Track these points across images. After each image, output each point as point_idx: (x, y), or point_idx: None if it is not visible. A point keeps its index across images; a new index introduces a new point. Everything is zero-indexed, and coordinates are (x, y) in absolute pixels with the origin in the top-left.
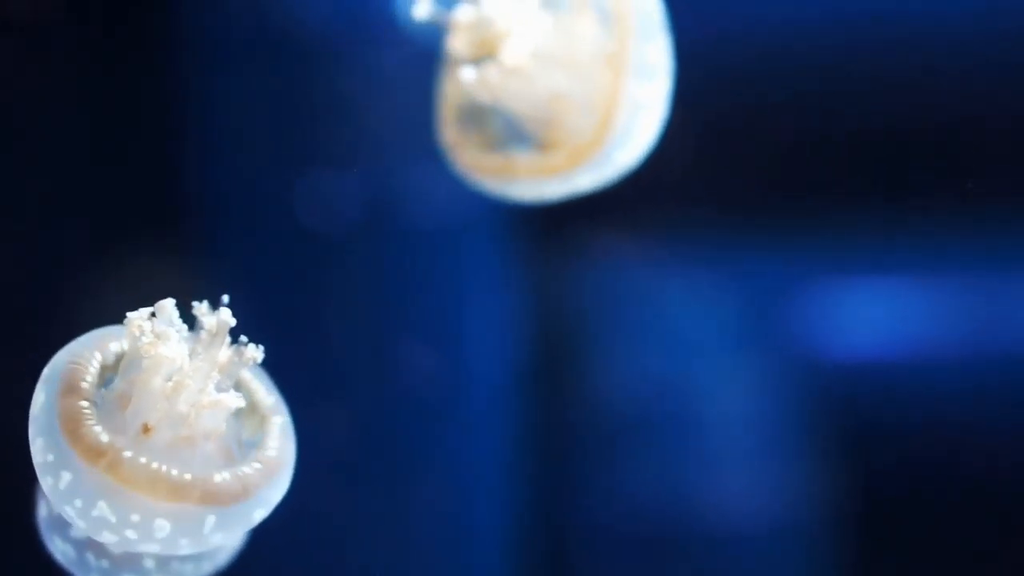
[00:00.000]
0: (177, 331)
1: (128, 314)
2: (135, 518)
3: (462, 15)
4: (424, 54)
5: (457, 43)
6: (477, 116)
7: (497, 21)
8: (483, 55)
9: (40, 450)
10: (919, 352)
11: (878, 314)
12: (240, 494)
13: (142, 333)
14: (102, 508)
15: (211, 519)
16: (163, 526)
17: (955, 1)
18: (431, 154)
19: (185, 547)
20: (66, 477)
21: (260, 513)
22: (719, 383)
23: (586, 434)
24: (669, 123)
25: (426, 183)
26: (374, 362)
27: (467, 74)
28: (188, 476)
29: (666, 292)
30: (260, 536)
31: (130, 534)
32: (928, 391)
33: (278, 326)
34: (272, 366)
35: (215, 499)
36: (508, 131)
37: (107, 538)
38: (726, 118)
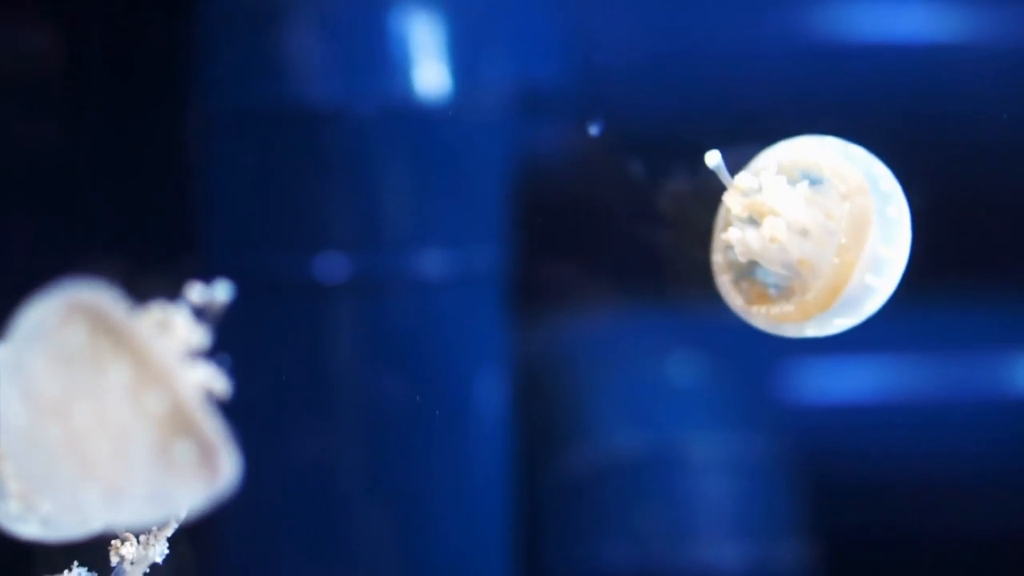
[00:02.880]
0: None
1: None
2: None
3: (742, 181)
4: (440, 132)
5: (730, 202)
6: (744, 265)
7: (768, 198)
8: (750, 216)
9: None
10: (897, 412)
11: (858, 375)
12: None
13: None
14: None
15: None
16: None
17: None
18: (433, 224)
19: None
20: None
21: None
22: (705, 439)
23: (574, 483)
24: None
25: (427, 248)
26: (365, 411)
27: (731, 234)
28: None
29: (655, 351)
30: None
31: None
32: (907, 450)
33: (269, 371)
34: (259, 406)
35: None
36: (762, 276)
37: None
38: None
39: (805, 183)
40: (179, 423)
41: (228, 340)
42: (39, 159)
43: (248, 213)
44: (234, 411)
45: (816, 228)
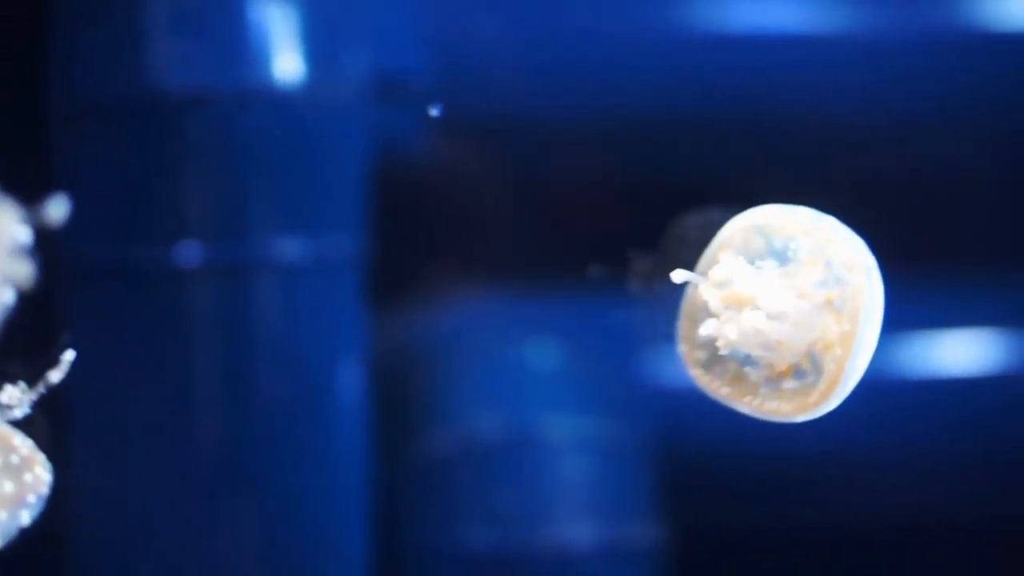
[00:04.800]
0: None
1: None
2: None
3: (716, 273)
4: (298, 119)
5: (705, 295)
6: (712, 348)
7: (743, 288)
8: (726, 307)
9: None
10: None
11: None
12: None
13: None
14: None
15: None
16: None
17: None
18: (291, 212)
19: None
20: None
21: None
22: (563, 423)
23: (432, 467)
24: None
25: (286, 235)
26: (224, 397)
27: (706, 328)
28: None
29: (514, 336)
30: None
31: None
32: (767, 437)
33: (129, 359)
34: (117, 395)
35: None
36: (740, 362)
37: None
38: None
39: (773, 263)
40: None
41: (87, 330)
42: None
43: (105, 203)
44: (93, 399)
45: (793, 311)
